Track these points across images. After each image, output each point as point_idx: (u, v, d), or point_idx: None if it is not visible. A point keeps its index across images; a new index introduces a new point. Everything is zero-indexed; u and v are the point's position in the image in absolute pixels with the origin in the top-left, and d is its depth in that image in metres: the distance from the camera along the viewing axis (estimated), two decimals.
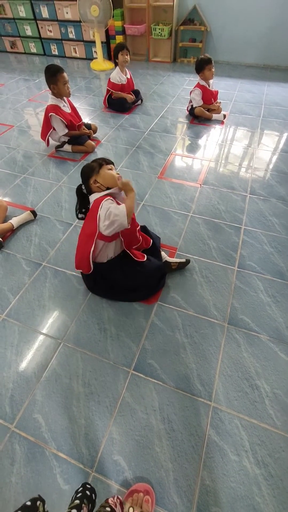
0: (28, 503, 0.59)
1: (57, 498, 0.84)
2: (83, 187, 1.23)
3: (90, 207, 1.19)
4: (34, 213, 1.74)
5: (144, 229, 1.43)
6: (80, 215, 1.28)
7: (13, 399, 1.04)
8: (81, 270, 1.31)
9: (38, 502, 0.61)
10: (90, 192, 1.21)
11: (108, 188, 1.18)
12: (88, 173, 1.18)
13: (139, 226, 1.33)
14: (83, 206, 1.26)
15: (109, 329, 1.23)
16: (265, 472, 0.89)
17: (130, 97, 2.81)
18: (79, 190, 1.24)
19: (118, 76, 2.70)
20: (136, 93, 2.92)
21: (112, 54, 2.67)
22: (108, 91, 2.81)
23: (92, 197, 1.20)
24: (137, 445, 0.94)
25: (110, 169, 1.18)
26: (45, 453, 0.93)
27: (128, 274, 1.26)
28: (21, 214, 1.72)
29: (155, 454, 0.92)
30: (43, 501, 0.62)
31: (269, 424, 0.98)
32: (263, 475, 0.88)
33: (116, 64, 2.69)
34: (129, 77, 2.78)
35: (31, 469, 0.90)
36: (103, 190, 1.18)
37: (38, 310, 1.30)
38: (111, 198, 1.16)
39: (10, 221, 1.66)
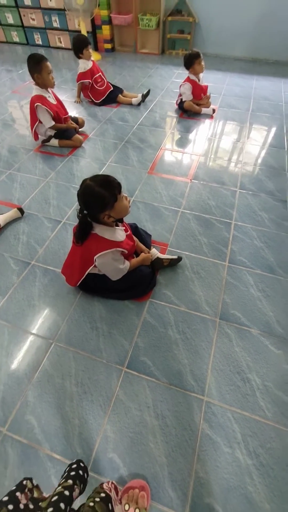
0: (14, 488, 0.58)
1: None
2: (85, 212, 1.04)
3: (93, 233, 1.09)
4: (21, 210, 1.69)
5: (134, 229, 1.41)
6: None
7: (4, 401, 1.02)
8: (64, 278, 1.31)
9: (25, 481, 0.60)
10: (97, 221, 1.07)
11: (118, 219, 1.10)
12: (99, 206, 0.99)
13: (135, 242, 1.31)
14: (86, 234, 1.09)
15: (101, 328, 1.22)
16: (257, 462, 0.91)
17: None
18: (83, 219, 1.06)
19: (84, 64, 2.63)
20: (114, 89, 2.84)
21: (79, 47, 2.56)
22: (81, 87, 2.77)
23: (99, 231, 1.08)
24: (132, 442, 0.95)
25: (125, 197, 1.05)
26: (38, 454, 0.92)
27: (119, 279, 1.24)
28: (8, 211, 1.66)
29: (150, 450, 0.93)
30: (29, 479, 0.61)
31: (260, 415, 1.00)
32: (254, 465, 0.91)
33: (78, 58, 2.61)
34: (91, 62, 2.70)
35: (24, 471, 0.89)
36: (113, 222, 1.08)
37: (28, 310, 1.28)
38: (117, 248, 1.11)
39: None
